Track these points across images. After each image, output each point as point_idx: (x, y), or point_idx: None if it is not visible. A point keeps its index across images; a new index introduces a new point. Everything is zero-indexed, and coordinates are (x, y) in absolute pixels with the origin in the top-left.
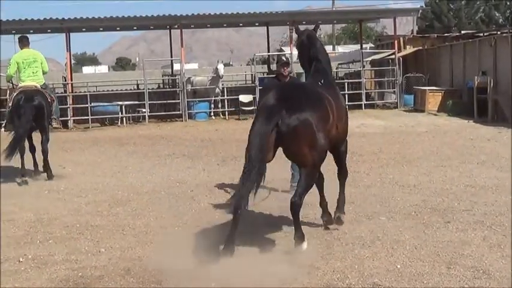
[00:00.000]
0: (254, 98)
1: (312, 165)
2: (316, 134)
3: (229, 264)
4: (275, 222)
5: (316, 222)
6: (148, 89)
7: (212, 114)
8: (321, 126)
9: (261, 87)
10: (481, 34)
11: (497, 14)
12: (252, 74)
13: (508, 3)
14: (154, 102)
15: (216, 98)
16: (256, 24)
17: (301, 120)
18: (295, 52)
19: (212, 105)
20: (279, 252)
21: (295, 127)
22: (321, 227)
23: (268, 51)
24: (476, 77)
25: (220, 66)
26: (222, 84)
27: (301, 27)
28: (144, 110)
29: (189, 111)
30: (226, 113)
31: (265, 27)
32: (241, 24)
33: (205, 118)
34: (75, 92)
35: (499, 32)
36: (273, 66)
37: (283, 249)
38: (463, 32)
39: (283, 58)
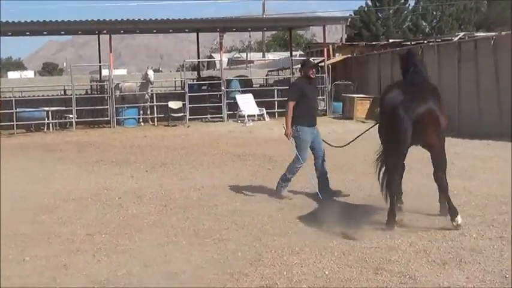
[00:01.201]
0: (184, 105)
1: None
2: (439, 119)
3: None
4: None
5: (245, 229)
6: (76, 94)
7: (141, 120)
8: (441, 113)
9: (292, 86)
10: (409, 43)
11: (424, 23)
12: (181, 80)
13: (435, 13)
14: (82, 108)
15: (145, 104)
16: (186, 30)
17: (428, 109)
18: (224, 59)
19: (141, 112)
20: (210, 259)
21: (424, 115)
22: (250, 234)
23: (198, 58)
24: None
25: (150, 72)
26: (151, 90)
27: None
28: (71, 116)
29: (118, 118)
30: (155, 119)
31: (196, 34)
32: (171, 31)
33: (134, 124)
34: (0, 98)
35: (426, 41)
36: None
37: (215, 256)
38: (391, 40)
39: (311, 60)
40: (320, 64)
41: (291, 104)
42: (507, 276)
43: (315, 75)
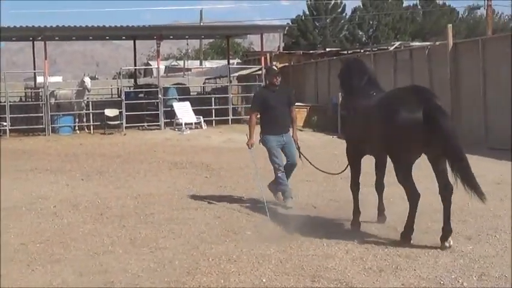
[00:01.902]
0: (120, 112)
1: None
2: None
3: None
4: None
5: (182, 237)
6: (10, 102)
7: (77, 128)
8: None
9: (254, 96)
10: (345, 52)
11: (360, 33)
12: (118, 88)
13: (371, 22)
14: (16, 115)
15: (81, 111)
16: (123, 37)
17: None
18: (161, 66)
19: (77, 119)
20: (146, 268)
21: None
22: (188, 243)
23: (135, 65)
24: (340, 94)
25: (87, 80)
26: (88, 98)
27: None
28: (4, 123)
29: (53, 125)
30: (92, 127)
31: (132, 41)
32: (107, 38)
33: (69, 132)
34: None
35: (362, 50)
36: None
37: (152, 265)
38: (327, 49)
39: (275, 68)
40: (257, 73)
41: (252, 114)
42: (442, 282)
43: (278, 82)
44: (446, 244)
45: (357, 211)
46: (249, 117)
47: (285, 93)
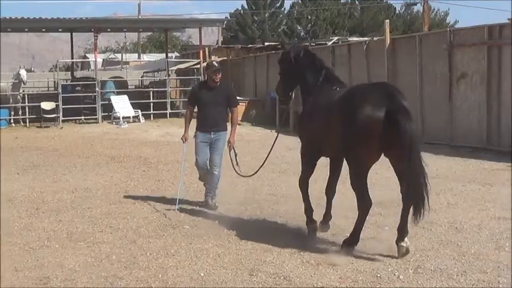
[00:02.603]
0: (57, 106)
1: None
2: None
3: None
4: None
5: (119, 231)
6: None
7: (12, 121)
8: None
9: (189, 91)
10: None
11: (299, 27)
12: (54, 81)
13: (310, 17)
14: None
15: (16, 104)
16: (60, 30)
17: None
18: (99, 59)
19: (12, 112)
20: (83, 262)
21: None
22: (125, 237)
23: (72, 58)
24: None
25: (23, 72)
26: (23, 91)
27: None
28: None
29: None
30: (27, 120)
31: (69, 34)
32: (44, 30)
33: (4, 126)
34: None
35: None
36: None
37: (89, 260)
38: (266, 43)
39: (215, 64)
40: (195, 66)
41: (187, 110)
42: (379, 275)
43: (218, 79)
44: (403, 244)
45: (308, 209)
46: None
47: (225, 92)
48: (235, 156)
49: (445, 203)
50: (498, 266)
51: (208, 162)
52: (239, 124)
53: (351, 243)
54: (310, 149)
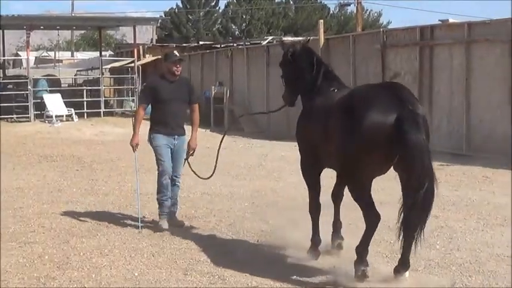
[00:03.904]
0: None
1: None
2: None
3: None
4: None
5: (52, 231)
6: None
7: None
8: None
9: (143, 87)
10: (218, 45)
11: (233, 27)
12: None
13: (244, 16)
14: None
15: None
16: None
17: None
18: (31, 57)
19: None
20: (15, 263)
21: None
22: (58, 237)
23: (4, 56)
24: (213, 87)
25: None
26: None
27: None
28: None
29: None
30: None
31: (0, 31)
32: None
33: None
34: None
35: (235, 44)
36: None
37: (20, 260)
38: (201, 42)
39: (176, 53)
40: (130, 65)
41: (140, 108)
42: (310, 278)
43: (179, 71)
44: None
45: (316, 237)
46: (137, 111)
47: (185, 85)
48: (187, 158)
49: (377, 200)
50: (429, 264)
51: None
52: None
53: (360, 260)
54: (309, 161)
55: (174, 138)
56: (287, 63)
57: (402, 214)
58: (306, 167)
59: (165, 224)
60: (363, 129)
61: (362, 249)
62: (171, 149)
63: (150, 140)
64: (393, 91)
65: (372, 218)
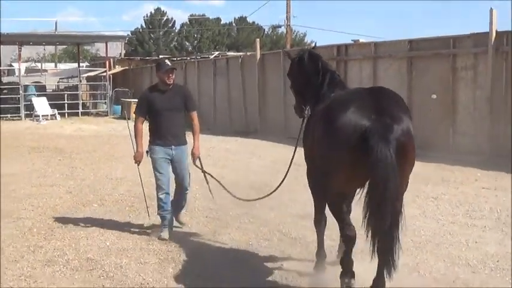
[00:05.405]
0: None
1: None
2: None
3: None
4: None
5: (39, 209)
6: None
7: None
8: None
9: (138, 100)
10: (175, 59)
11: (187, 43)
12: None
13: (196, 35)
14: None
15: None
16: None
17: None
18: (22, 67)
19: None
20: (10, 235)
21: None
22: (44, 213)
23: (0, 66)
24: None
25: None
26: None
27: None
28: None
29: None
30: None
31: None
32: None
33: None
34: None
35: (188, 58)
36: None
37: (14, 232)
38: (161, 56)
39: (168, 63)
40: (102, 74)
41: (138, 122)
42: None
43: (172, 80)
44: None
45: (321, 251)
46: (134, 125)
47: (180, 93)
48: (202, 167)
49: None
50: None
51: (173, 181)
52: None
53: (344, 274)
54: (314, 171)
55: (171, 149)
56: (294, 71)
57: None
58: (312, 177)
59: (166, 235)
60: (334, 130)
61: (345, 262)
62: (170, 160)
63: (150, 152)
64: (376, 97)
65: (344, 234)
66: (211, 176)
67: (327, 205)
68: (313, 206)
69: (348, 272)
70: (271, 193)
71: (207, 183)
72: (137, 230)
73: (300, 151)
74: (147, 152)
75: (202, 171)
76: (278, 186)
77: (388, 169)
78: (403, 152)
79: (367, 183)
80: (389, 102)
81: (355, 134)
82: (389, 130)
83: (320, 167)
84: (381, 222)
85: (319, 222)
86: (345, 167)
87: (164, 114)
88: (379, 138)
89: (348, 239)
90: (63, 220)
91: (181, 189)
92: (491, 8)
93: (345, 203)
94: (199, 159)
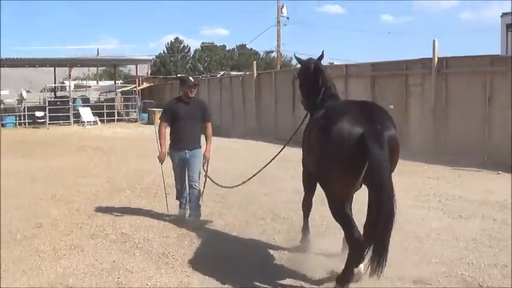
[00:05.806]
0: (45, 114)
1: None
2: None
3: None
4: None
5: (85, 194)
6: None
7: (17, 124)
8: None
9: (164, 107)
10: (199, 77)
11: (199, 65)
12: (44, 98)
13: (206, 59)
14: None
15: (20, 113)
16: (48, 65)
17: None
18: (72, 84)
19: (17, 118)
20: (62, 214)
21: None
22: (89, 198)
23: (55, 83)
24: None
25: (24, 92)
26: (24, 104)
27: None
28: None
29: (2, 122)
30: (26, 123)
31: (53, 68)
32: (37, 66)
33: (11, 127)
34: None
35: (200, 77)
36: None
37: (66, 212)
38: (178, 75)
39: (191, 79)
40: (133, 89)
41: (162, 126)
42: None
43: (193, 94)
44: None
45: (306, 227)
46: (158, 129)
47: (199, 106)
48: (206, 171)
49: (292, 191)
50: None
51: (187, 181)
52: None
53: (343, 280)
54: (306, 173)
55: (185, 153)
56: (301, 77)
57: (367, 227)
58: (305, 178)
59: (182, 215)
60: (331, 138)
61: (346, 275)
62: (184, 160)
63: (170, 156)
64: (365, 108)
65: (350, 237)
66: (208, 176)
67: (331, 214)
68: (303, 194)
69: (345, 281)
70: (247, 180)
71: (204, 183)
72: (160, 211)
73: (287, 149)
74: (168, 152)
75: (205, 176)
76: (253, 176)
77: (385, 170)
78: (392, 153)
79: (367, 183)
80: (378, 113)
81: (352, 138)
82: (382, 135)
83: (321, 172)
84: (383, 221)
85: (306, 206)
86: (345, 169)
87: (185, 122)
88: (374, 142)
89: (357, 244)
90: (103, 203)
91: (190, 189)
92: (433, 40)
93: (348, 207)
94: (208, 162)
